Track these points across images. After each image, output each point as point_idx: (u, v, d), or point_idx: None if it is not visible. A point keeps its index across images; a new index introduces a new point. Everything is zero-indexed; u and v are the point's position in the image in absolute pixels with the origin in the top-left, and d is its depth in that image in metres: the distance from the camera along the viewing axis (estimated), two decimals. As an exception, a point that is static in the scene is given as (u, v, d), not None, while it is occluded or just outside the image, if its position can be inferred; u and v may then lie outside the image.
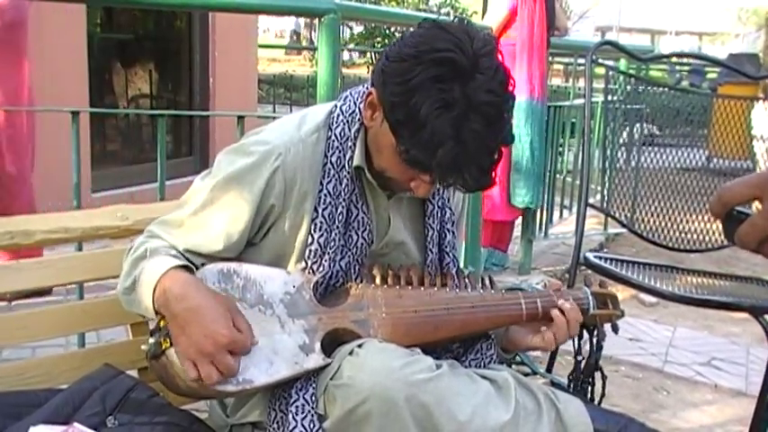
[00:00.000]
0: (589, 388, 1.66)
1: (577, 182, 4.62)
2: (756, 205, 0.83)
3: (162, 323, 1.28)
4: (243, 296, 1.32)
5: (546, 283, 1.63)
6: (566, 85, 10.00)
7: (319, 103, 1.99)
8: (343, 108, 1.42)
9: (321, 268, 1.38)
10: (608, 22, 35.10)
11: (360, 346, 1.28)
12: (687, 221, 2.60)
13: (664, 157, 2.71)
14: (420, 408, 1.22)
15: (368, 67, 15.19)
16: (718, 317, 3.72)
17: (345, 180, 1.39)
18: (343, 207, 1.39)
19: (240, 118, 2.51)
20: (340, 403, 1.24)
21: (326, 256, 1.38)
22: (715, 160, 2.91)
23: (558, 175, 4.71)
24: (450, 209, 1.53)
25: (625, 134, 2.91)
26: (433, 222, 1.50)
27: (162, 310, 1.28)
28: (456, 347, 1.48)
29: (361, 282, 1.39)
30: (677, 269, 2.38)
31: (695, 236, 2.57)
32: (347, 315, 1.35)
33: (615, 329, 1.61)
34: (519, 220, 4.18)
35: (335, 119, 1.41)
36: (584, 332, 1.60)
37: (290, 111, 8.97)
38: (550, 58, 5.19)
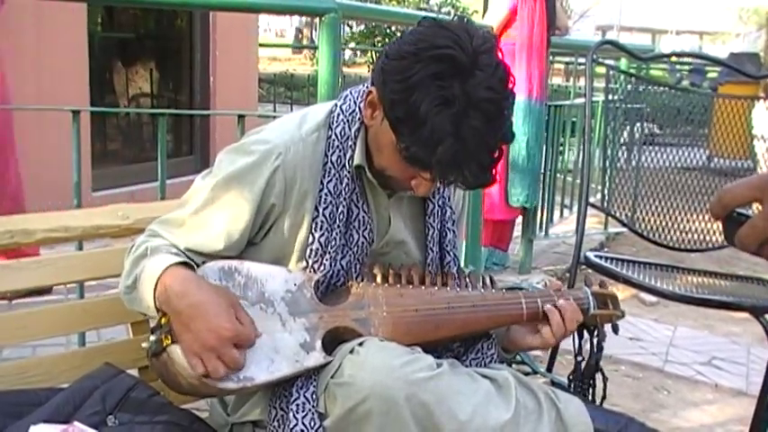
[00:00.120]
0: (590, 389, 1.66)
1: (578, 181, 4.62)
2: (756, 207, 0.83)
3: (163, 321, 1.28)
4: (244, 294, 1.32)
5: (546, 283, 1.63)
6: (566, 85, 9.99)
7: (320, 102, 1.99)
8: (344, 107, 1.42)
9: (322, 267, 1.38)
10: (608, 22, 35.09)
11: (360, 344, 1.28)
12: (688, 221, 2.60)
13: (664, 156, 2.71)
14: (420, 407, 1.23)
15: (368, 66, 15.19)
16: (719, 316, 3.72)
17: (346, 179, 1.39)
18: (343, 206, 1.39)
19: (241, 117, 2.51)
20: (341, 402, 1.25)
21: (327, 256, 1.38)
22: (715, 160, 2.91)
23: (558, 175, 4.70)
24: (451, 208, 1.53)
25: (626, 133, 2.91)
26: (434, 221, 1.50)
27: (164, 307, 1.28)
28: (457, 347, 1.48)
29: (362, 280, 1.39)
30: (678, 268, 2.38)
31: (696, 235, 2.57)
32: (348, 314, 1.35)
33: (615, 330, 1.61)
34: (519, 220, 4.18)
35: (336, 118, 1.41)
36: (585, 332, 1.60)
37: (291, 110, 8.96)
38: (551, 58, 5.18)
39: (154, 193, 2.40)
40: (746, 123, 2.83)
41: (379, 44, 13.23)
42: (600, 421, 1.42)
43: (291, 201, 1.38)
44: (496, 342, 1.51)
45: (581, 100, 4.77)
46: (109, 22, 5.73)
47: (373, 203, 1.45)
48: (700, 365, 3.19)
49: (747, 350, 3.38)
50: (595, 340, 1.61)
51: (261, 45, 8.53)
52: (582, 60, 5.48)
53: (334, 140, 1.39)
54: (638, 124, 2.94)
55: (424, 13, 2.45)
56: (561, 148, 4.72)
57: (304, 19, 24.39)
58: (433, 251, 1.50)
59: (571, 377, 1.66)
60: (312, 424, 1.26)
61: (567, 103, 5.14)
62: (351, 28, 14.73)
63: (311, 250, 1.38)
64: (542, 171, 4.34)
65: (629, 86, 2.74)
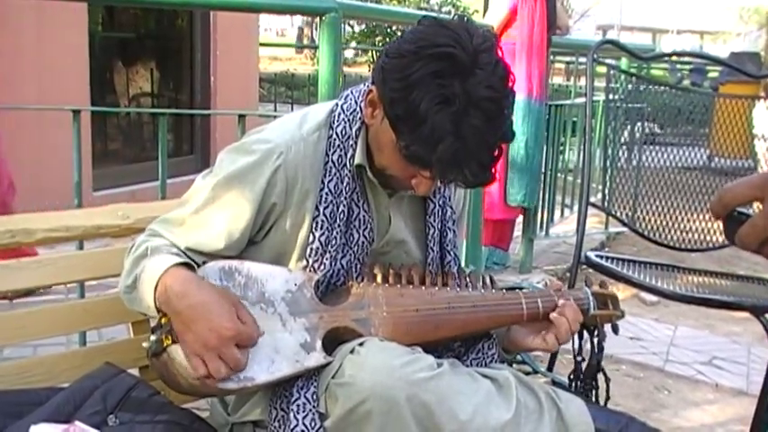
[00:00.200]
0: (592, 390, 1.66)
1: (578, 181, 4.61)
2: (757, 206, 0.83)
3: (163, 321, 1.28)
4: (244, 294, 1.32)
5: (547, 282, 1.63)
6: (567, 84, 10.00)
7: (320, 102, 1.99)
8: (345, 107, 1.42)
9: (322, 267, 1.38)
10: (609, 21, 35.08)
11: (361, 344, 1.28)
12: (688, 220, 2.60)
13: (665, 156, 2.71)
14: (421, 407, 1.22)
15: (369, 66, 15.20)
16: (720, 316, 3.72)
17: (347, 178, 1.39)
18: (344, 205, 1.39)
19: (241, 117, 2.51)
20: (341, 402, 1.24)
21: (328, 255, 1.38)
22: (716, 159, 2.91)
23: (559, 174, 4.70)
24: (452, 207, 1.53)
25: (626, 133, 2.91)
26: (435, 221, 1.50)
27: (164, 308, 1.28)
28: (457, 347, 1.48)
29: (363, 280, 1.39)
30: (678, 268, 2.38)
31: (696, 235, 2.57)
32: (348, 314, 1.35)
33: (615, 330, 1.61)
34: (520, 219, 4.18)
35: (337, 117, 1.41)
36: (585, 332, 1.60)
37: (292, 109, 8.97)
38: (552, 57, 5.18)
39: (154, 193, 2.40)
40: (747, 123, 2.83)
41: (380, 44, 13.24)
42: (601, 421, 1.42)
43: (292, 200, 1.38)
44: (497, 342, 1.51)
45: (582, 99, 4.77)
46: (109, 22, 5.73)
47: (374, 203, 1.45)
48: (700, 365, 3.18)
49: (748, 350, 3.37)
50: (596, 341, 1.61)
51: (261, 44, 8.53)
52: (582, 60, 5.48)
53: (335, 140, 1.39)
54: (639, 124, 2.94)
55: (424, 13, 2.45)
56: (562, 148, 4.71)
57: (305, 18, 24.42)
58: (433, 251, 1.50)
59: (572, 377, 1.66)
60: (313, 424, 1.26)
61: (568, 102, 5.14)
62: (352, 28, 14.74)
63: (311, 249, 1.38)
64: (543, 171, 4.34)
65: (629, 86, 2.74)
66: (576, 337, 1.58)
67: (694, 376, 3.08)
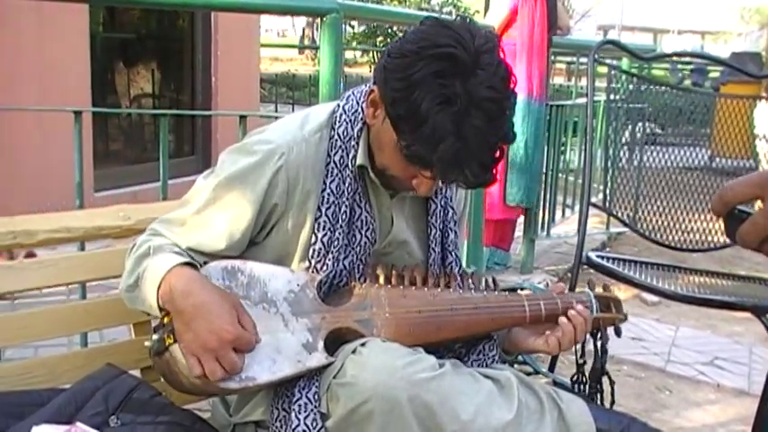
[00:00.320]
0: (597, 394, 1.65)
1: (579, 181, 4.61)
2: (758, 204, 0.83)
3: (166, 320, 1.28)
4: (247, 294, 1.32)
5: (548, 283, 1.63)
6: (568, 84, 10.00)
7: (321, 102, 1.99)
8: (346, 107, 1.42)
9: (325, 267, 1.38)
10: (610, 21, 35.08)
11: (363, 345, 1.28)
12: (689, 221, 2.60)
13: (666, 156, 2.71)
14: (423, 407, 1.22)
15: (370, 66, 15.21)
16: (721, 316, 3.72)
17: (349, 179, 1.39)
18: (346, 206, 1.39)
19: (242, 117, 2.51)
20: (343, 402, 1.24)
21: (330, 256, 1.38)
22: (717, 159, 2.90)
23: (560, 175, 4.70)
24: (453, 208, 1.53)
25: (627, 133, 2.91)
26: (436, 221, 1.50)
27: (167, 306, 1.28)
28: (458, 347, 1.48)
29: (365, 281, 1.39)
30: (679, 268, 2.38)
31: (698, 235, 2.57)
32: (350, 314, 1.35)
33: (618, 333, 1.61)
34: (521, 220, 4.18)
35: (338, 118, 1.41)
36: (588, 335, 1.60)
37: (293, 110, 8.98)
38: (553, 57, 5.18)
39: (156, 194, 2.40)
40: (748, 123, 2.83)
41: (381, 44, 13.25)
42: (602, 421, 1.41)
43: (294, 201, 1.38)
44: (498, 343, 1.51)
45: (583, 100, 4.77)
46: (110, 23, 5.74)
47: (376, 204, 1.45)
48: (702, 365, 3.18)
49: (749, 350, 3.37)
50: (599, 344, 1.60)
51: (262, 45, 8.54)
52: (583, 60, 5.48)
53: (336, 140, 1.40)
54: (640, 124, 2.94)
55: (425, 14, 2.45)
56: (563, 148, 4.71)
57: (307, 19, 24.43)
58: (435, 251, 1.50)
59: (574, 380, 1.66)
60: (314, 424, 1.26)
61: (569, 102, 5.14)
62: (353, 28, 14.75)
63: (314, 250, 1.38)
64: (544, 171, 4.34)
65: (630, 86, 2.74)
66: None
67: (696, 376, 3.08)
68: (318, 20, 2.45)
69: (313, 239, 1.38)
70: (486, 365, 1.46)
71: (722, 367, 3.18)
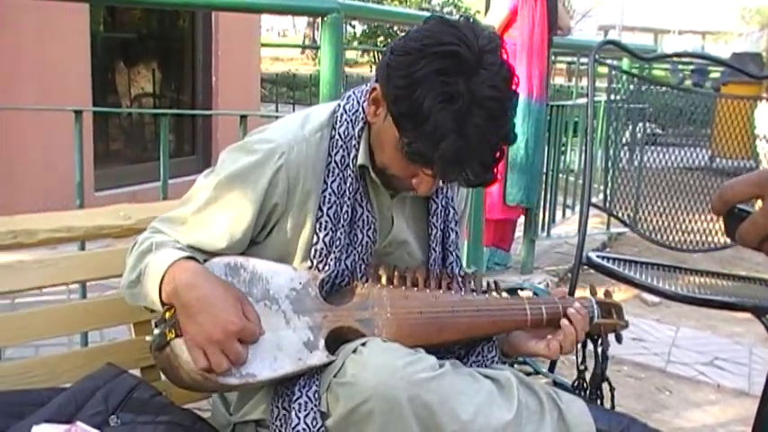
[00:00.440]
0: (597, 400, 1.65)
1: (580, 181, 4.61)
2: (758, 203, 0.83)
3: (167, 315, 1.28)
4: (249, 290, 1.32)
5: (549, 283, 1.63)
6: (569, 85, 10.00)
7: (322, 102, 1.99)
8: (347, 107, 1.42)
9: (327, 267, 1.38)
10: (611, 21, 35.07)
11: (363, 344, 1.28)
12: (690, 221, 2.60)
13: (666, 156, 2.71)
14: (423, 407, 1.22)
15: (371, 66, 15.22)
16: (721, 317, 3.72)
17: (350, 179, 1.39)
18: (348, 206, 1.39)
19: (243, 117, 2.52)
20: (343, 401, 1.24)
21: (332, 255, 1.38)
22: (718, 160, 2.90)
23: (560, 175, 4.70)
24: (454, 208, 1.53)
25: (628, 133, 2.91)
26: (437, 221, 1.50)
27: (171, 299, 1.27)
28: (457, 349, 1.48)
29: (367, 281, 1.39)
30: (680, 269, 2.38)
31: (698, 236, 2.57)
32: (352, 314, 1.35)
33: (619, 339, 1.61)
34: (521, 220, 4.18)
35: (339, 118, 1.41)
36: (588, 341, 1.60)
37: (293, 110, 8.99)
38: (553, 58, 5.18)
39: (156, 194, 2.40)
40: (749, 123, 2.83)
41: (381, 44, 13.25)
42: (602, 422, 1.41)
43: (294, 200, 1.38)
44: (497, 345, 1.51)
45: (583, 100, 4.77)
46: (111, 23, 5.74)
47: (376, 203, 1.45)
48: (702, 366, 3.18)
49: (750, 351, 3.37)
50: (600, 350, 1.60)
51: (263, 45, 8.54)
52: (584, 60, 5.47)
53: (337, 140, 1.40)
54: (641, 124, 2.94)
55: (426, 14, 2.45)
56: (563, 149, 4.71)
57: (308, 19, 24.42)
58: (435, 251, 1.50)
59: (575, 385, 1.65)
60: (314, 423, 1.26)
61: (570, 103, 5.14)
62: (353, 28, 14.76)
63: (316, 250, 1.38)
64: (544, 171, 4.34)
65: (631, 86, 2.74)
66: (579, 345, 1.58)
67: (696, 377, 3.08)
68: (319, 20, 2.46)
69: (315, 239, 1.38)
70: (485, 367, 1.46)
71: (722, 368, 3.18)
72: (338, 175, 1.39)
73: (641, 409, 2.73)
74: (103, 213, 1.60)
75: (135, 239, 1.42)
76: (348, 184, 1.39)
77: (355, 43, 14.58)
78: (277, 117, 1.70)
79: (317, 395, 1.28)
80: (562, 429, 1.36)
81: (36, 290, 1.55)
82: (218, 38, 6.06)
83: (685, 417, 2.74)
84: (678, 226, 2.57)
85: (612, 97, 2.72)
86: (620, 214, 2.58)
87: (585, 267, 2.30)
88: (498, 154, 1.30)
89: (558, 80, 11.03)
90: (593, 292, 1.59)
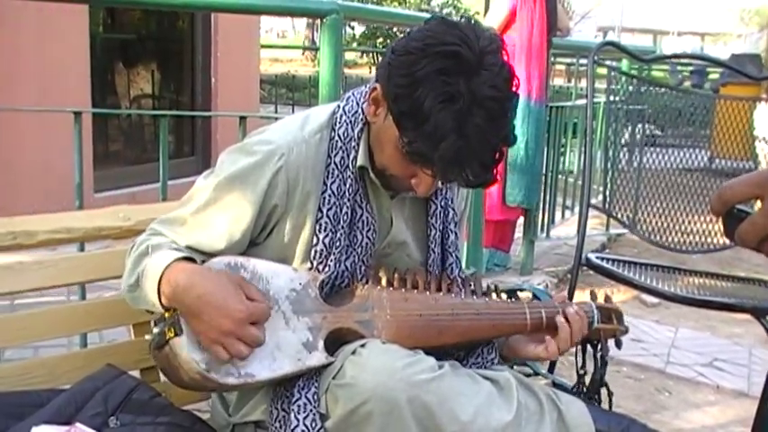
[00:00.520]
0: (596, 404, 1.65)
1: (579, 182, 4.62)
2: (757, 204, 0.83)
3: (167, 314, 1.28)
4: None
5: (548, 284, 1.63)
6: (568, 86, 10.00)
7: (321, 104, 1.99)
8: (346, 108, 1.42)
9: (326, 268, 1.38)
10: (610, 23, 35.10)
11: (363, 345, 1.28)
12: (689, 222, 2.60)
13: (666, 157, 2.71)
14: (422, 408, 1.22)
15: (370, 68, 15.22)
16: (721, 318, 3.72)
17: (350, 180, 1.39)
18: (347, 207, 1.39)
19: (242, 118, 2.52)
20: (342, 403, 1.24)
21: (332, 257, 1.38)
22: (717, 161, 2.91)
23: (559, 176, 4.71)
24: (453, 209, 1.53)
25: (627, 135, 2.91)
26: (436, 222, 1.50)
27: (172, 302, 1.27)
28: (457, 351, 1.48)
29: (367, 283, 1.39)
30: (679, 270, 2.38)
31: (697, 237, 2.57)
32: (352, 315, 1.35)
33: (618, 345, 1.61)
34: (521, 221, 4.18)
35: (338, 119, 1.41)
36: (588, 346, 1.60)
37: (293, 111, 8.99)
38: (552, 59, 5.18)
39: (155, 195, 2.40)
40: (748, 125, 2.83)
41: (381, 45, 13.25)
42: (602, 423, 1.42)
43: (294, 202, 1.38)
44: (496, 347, 1.51)
45: (582, 101, 4.77)
46: (110, 24, 5.74)
47: (375, 204, 1.45)
48: (701, 367, 3.18)
49: (749, 351, 3.37)
50: (599, 355, 1.60)
51: (262, 46, 8.54)
52: (583, 61, 5.48)
53: (337, 141, 1.40)
54: (640, 125, 2.94)
55: (425, 15, 2.45)
56: (563, 150, 4.72)
57: (308, 20, 24.41)
58: (434, 252, 1.50)
59: (575, 390, 1.65)
60: (313, 425, 1.26)
61: (569, 104, 5.14)
62: (353, 30, 14.76)
63: (315, 251, 1.38)
64: (544, 172, 4.34)
65: (630, 88, 2.74)
66: (578, 350, 1.58)
67: (695, 378, 3.08)
68: (318, 21, 2.46)
69: (314, 240, 1.38)
70: (485, 368, 1.46)
71: (722, 369, 3.18)
72: (338, 176, 1.39)
73: (641, 409, 2.73)
74: (103, 214, 1.60)
75: (134, 241, 1.42)
76: (348, 186, 1.39)
77: (355, 44, 14.59)
78: (276, 118, 1.70)
79: (316, 396, 1.28)
80: (562, 430, 1.36)
81: (35, 291, 1.55)
82: (218, 39, 6.06)
83: (685, 418, 2.74)
84: (677, 227, 2.58)
85: (612, 98, 2.73)
86: (619, 215, 2.58)
87: (585, 268, 2.30)
88: (498, 155, 1.30)
89: (558, 81, 11.04)
90: (594, 297, 1.59)
